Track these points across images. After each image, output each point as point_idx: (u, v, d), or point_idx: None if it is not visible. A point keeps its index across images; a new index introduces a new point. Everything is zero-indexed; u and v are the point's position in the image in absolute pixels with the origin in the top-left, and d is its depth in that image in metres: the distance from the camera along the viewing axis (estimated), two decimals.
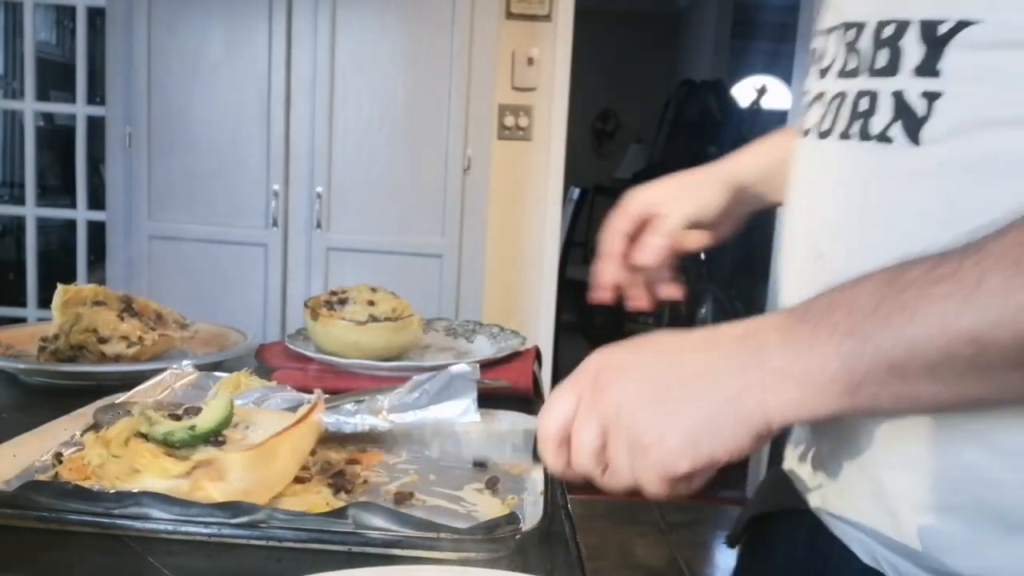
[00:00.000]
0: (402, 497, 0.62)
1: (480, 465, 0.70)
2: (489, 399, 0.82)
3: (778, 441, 0.59)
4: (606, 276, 0.77)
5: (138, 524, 0.51)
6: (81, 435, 0.65)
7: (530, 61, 2.97)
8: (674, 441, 0.47)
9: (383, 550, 0.51)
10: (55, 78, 3.64)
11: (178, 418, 0.61)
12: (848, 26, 0.54)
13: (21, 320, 2.98)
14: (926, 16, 0.48)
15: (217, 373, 0.87)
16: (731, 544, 0.76)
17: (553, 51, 3.00)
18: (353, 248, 2.71)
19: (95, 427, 0.69)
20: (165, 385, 0.81)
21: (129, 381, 0.82)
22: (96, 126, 2.93)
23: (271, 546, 0.51)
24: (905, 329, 0.41)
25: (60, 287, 0.98)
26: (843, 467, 0.58)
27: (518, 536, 0.52)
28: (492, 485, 0.65)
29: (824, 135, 0.56)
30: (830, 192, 0.53)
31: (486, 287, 2.79)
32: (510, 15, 2.94)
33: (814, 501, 0.63)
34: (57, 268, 3.10)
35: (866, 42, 0.52)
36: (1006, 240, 0.40)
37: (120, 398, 0.76)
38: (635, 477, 0.50)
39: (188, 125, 2.70)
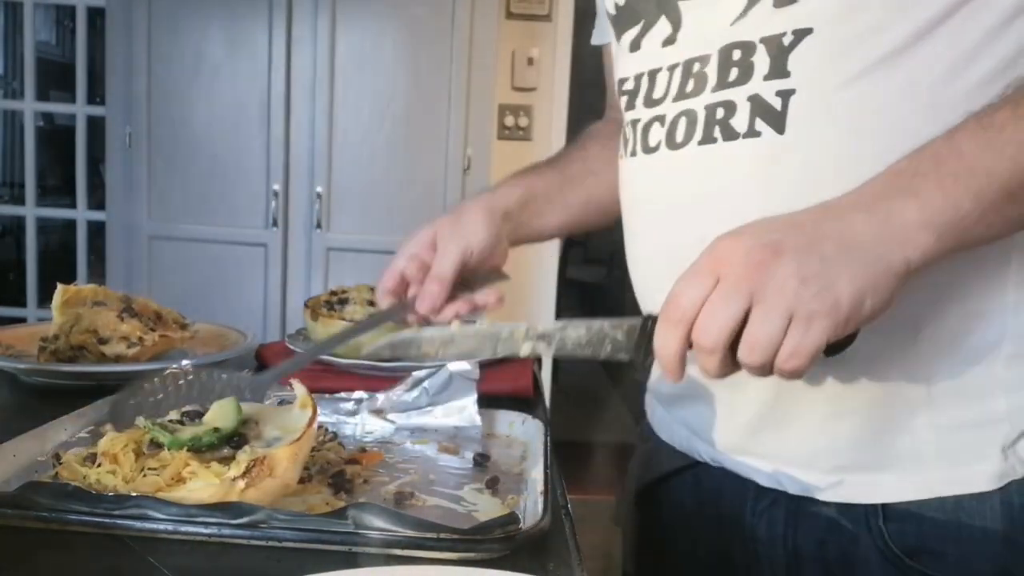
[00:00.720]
0: (402, 497, 0.62)
1: (480, 465, 0.70)
2: (489, 399, 0.82)
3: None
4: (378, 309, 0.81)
5: (138, 524, 0.51)
6: (87, 451, 0.63)
7: (530, 61, 2.98)
8: (845, 303, 0.51)
9: (383, 550, 0.51)
10: (55, 78, 3.64)
11: (180, 423, 0.60)
12: (691, 60, 0.64)
13: (21, 320, 2.98)
14: (766, 34, 0.59)
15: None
16: (618, 522, 0.84)
17: (553, 51, 3.00)
18: (353, 248, 2.71)
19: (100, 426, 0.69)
20: (164, 385, 0.81)
21: (129, 381, 0.82)
22: (96, 126, 2.93)
23: (271, 546, 0.51)
24: (1009, 156, 0.50)
25: (60, 287, 0.98)
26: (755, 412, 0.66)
27: (518, 536, 0.52)
28: (492, 485, 0.65)
29: (677, 147, 0.65)
30: (717, 189, 0.58)
31: None
32: (510, 15, 2.94)
33: (704, 450, 0.72)
34: (57, 268, 3.10)
35: (712, 66, 0.62)
36: None
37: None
38: (783, 349, 0.51)
39: (188, 125, 2.70)
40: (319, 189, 2.71)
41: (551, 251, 3.00)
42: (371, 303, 1.04)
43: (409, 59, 2.69)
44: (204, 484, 0.54)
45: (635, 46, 0.70)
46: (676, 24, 0.65)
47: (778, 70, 0.59)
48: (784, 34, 0.58)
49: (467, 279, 0.80)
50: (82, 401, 0.74)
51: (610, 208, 0.83)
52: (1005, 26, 0.56)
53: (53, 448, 0.66)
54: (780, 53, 0.59)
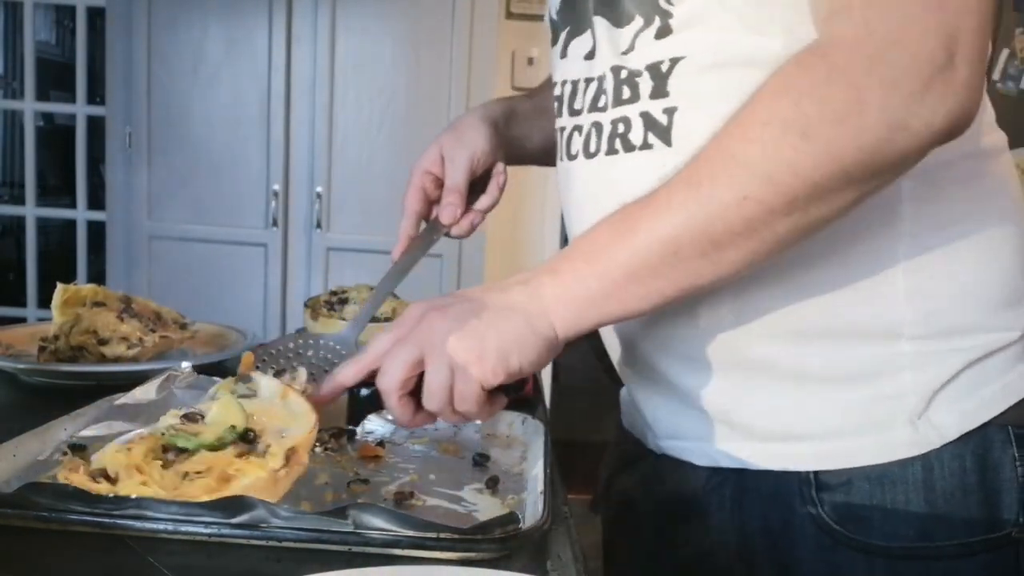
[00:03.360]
0: (402, 497, 0.62)
1: (480, 465, 0.70)
2: None
3: None
4: (405, 232, 0.85)
5: (138, 524, 0.51)
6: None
7: (530, 61, 2.97)
8: (491, 357, 0.59)
9: (383, 550, 0.51)
10: (55, 78, 3.65)
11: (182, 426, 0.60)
12: (602, 76, 0.70)
13: (21, 320, 2.98)
14: (648, 62, 0.66)
15: (214, 377, 0.86)
16: (595, 510, 0.86)
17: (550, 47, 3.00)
18: (353, 248, 2.72)
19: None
20: (164, 386, 0.81)
21: (129, 381, 0.82)
22: (96, 126, 2.93)
23: (271, 546, 0.51)
24: (630, 246, 0.58)
25: (59, 286, 0.98)
26: (658, 395, 0.73)
27: (518, 536, 0.52)
28: (492, 485, 0.65)
29: (591, 156, 0.71)
30: (627, 196, 0.62)
31: None
32: (510, 15, 2.94)
33: (650, 437, 0.77)
34: (57, 268, 3.10)
35: (610, 84, 0.69)
36: (681, 175, 0.57)
37: (120, 398, 0.76)
38: (452, 395, 0.60)
39: (188, 125, 2.70)
40: (319, 189, 2.71)
41: (551, 251, 3.00)
42: None
43: (409, 59, 2.69)
44: (254, 479, 0.54)
45: (563, 54, 0.75)
46: (595, 40, 0.71)
47: (659, 91, 0.66)
48: (662, 62, 0.65)
49: (472, 185, 0.86)
50: (82, 401, 0.74)
51: None
52: None
53: (52, 448, 0.66)
54: (660, 77, 0.66)
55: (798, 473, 0.67)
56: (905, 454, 0.64)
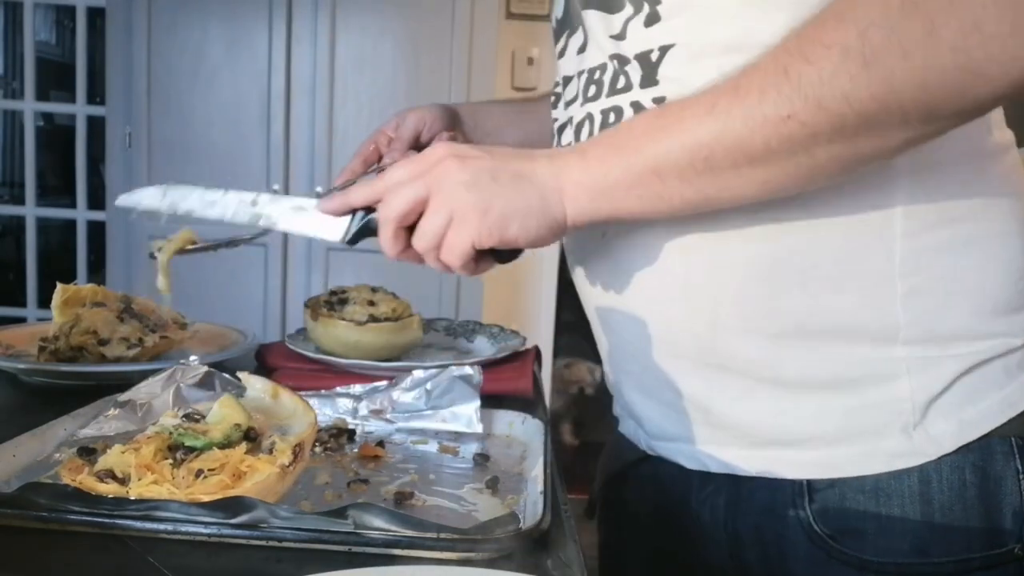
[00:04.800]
0: (402, 497, 0.62)
1: (480, 465, 0.70)
2: (489, 399, 0.82)
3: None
4: (349, 168, 0.94)
5: (138, 524, 0.51)
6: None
7: (530, 61, 2.97)
8: (493, 216, 0.59)
9: (383, 550, 0.51)
10: (55, 78, 3.65)
11: (182, 426, 0.60)
12: (594, 68, 0.70)
13: (21, 320, 2.98)
14: (639, 51, 0.65)
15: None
16: (590, 515, 0.87)
17: (553, 51, 3.00)
18: (353, 248, 2.71)
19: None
20: (172, 381, 0.81)
21: (130, 381, 0.82)
22: (96, 126, 2.93)
23: (271, 546, 0.51)
24: (663, 143, 0.57)
25: (59, 286, 0.98)
26: (650, 398, 0.73)
27: (518, 536, 0.52)
28: (492, 485, 0.65)
29: None
30: None
31: (486, 287, 2.79)
32: (510, 15, 2.93)
33: (642, 438, 0.77)
34: (57, 268, 3.10)
35: (607, 75, 0.68)
36: (730, 81, 0.55)
37: (125, 395, 0.75)
38: (441, 242, 0.61)
39: (188, 125, 2.70)
40: (319, 189, 2.71)
41: (551, 251, 3.00)
42: (371, 303, 1.04)
43: (409, 59, 2.69)
44: (264, 476, 0.54)
45: (561, 53, 0.76)
46: (586, 34, 0.71)
47: (650, 79, 0.65)
48: (652, 51, 0.65)
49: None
50: (82, 401, 0.74)
51: None
52: None
53: (55, 447, 0.66)
54: (650, 66, 0.65)
55: (791, 482, 0.65)
56: (899, 465, 0.62)
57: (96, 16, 2.92)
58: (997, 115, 0.66)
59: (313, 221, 0.68)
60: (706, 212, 0.60)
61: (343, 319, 1.01)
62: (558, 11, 0.77)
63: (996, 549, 0.62)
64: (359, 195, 0.65)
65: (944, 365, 0.62)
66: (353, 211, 0.66)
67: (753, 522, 0.68)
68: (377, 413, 0.80)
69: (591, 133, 0.70)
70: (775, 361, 0.64)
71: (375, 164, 0.94)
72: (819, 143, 0.53)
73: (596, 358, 0.81)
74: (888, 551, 0.63)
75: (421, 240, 0.62)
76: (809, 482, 0.65)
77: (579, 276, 0.77)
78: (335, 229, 0.68)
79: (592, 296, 0.75)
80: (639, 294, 0.69)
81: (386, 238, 0.63)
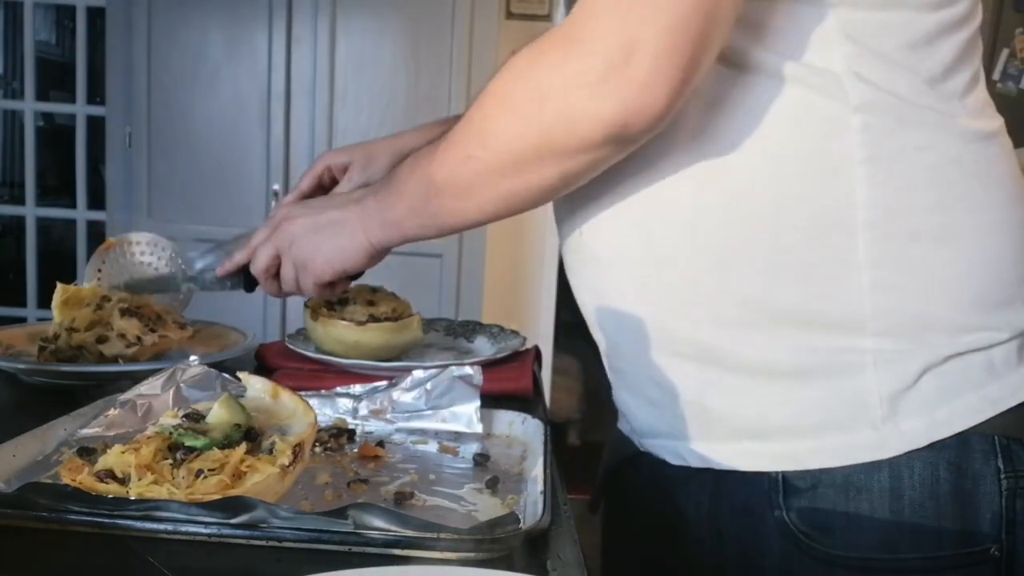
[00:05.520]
0: (402, 497, 0.62)
1: (480, 465, 0.70)
2: (489, 399, 0.82)
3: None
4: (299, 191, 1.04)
5: (138, 524, 0.51)
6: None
7: None
8: (321, 260, 0.79)
9: (383, 550, 0.51)
10: (55, 78, 3.65)
11: (182, 426, 0.60)
12: None
13: (21, 320, 2.98)
14: None
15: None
16: (592, 510, 0.90)
17: None
18: None
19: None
20: (172, 381, 0.81)
21: (129, 381, 0.82)
22: (96, 126, 2.93)
23: (271, 546, 0.51)
24: (409, 183, 0.72)
25: (60, 287, 0.98)
26: (638, 398, 0.75)
27: (518, 536, 0.52)
28: (492, 485, 0.65)
29: None
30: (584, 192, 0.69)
31: (486, 287, 2.79)
32: (510, 15, 2.94)
33: (635, 436, 0.78)
34: (57, 268, 3.09)
35: None
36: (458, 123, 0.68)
37: (125, 395, 0.75)
38: (298, 285, 0.82)
39: (188, 125, 2.70)
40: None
41: (551, 251, 3.00)
42: (371, 303, 1.04)
43: (409, 59, 2.69)
44: (264, 476, 0.54)
45: None
46: None
47: None
48: None
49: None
50: (82, 401, 0.74)
51: None
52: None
53: (55, 447, 0.66)
54: None
55: (768, 475, 0.65)
56: (867, 458, 0.62)
57: (96, 16, 2.92)
58: (977, 101, 0.65)
59: (223, 284, 0.94)
60: (626, 204, 0.67)
61: (343, 319, 1.01)
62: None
63: (969, 548, 0.61)
64: (240, 257, 0.87)
65: (914, 358, 0.61)
66: (240, 269, 0.89)
67: (732, 519, 0.68)
68: (377, 413, 0.80)
69: None
70: (747, 350, 0.64)
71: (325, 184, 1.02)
72: (495, 178, 0.65)
73: (596, 358, 0.81)
74: (856, 546, 0.62)
75: (284, 285, 0.84)
76: (784, 477, 0.64)
77: (571, 277, 0.79)
78: (237, 284, 0.92)
79: (582, 294, 0.76)
80: (614, 288, 0.71)
81: (264, 285, 0.86)
